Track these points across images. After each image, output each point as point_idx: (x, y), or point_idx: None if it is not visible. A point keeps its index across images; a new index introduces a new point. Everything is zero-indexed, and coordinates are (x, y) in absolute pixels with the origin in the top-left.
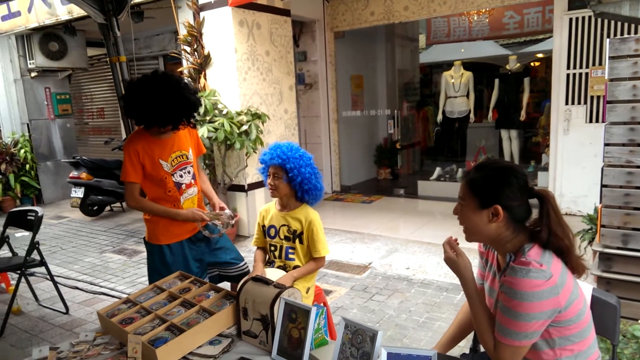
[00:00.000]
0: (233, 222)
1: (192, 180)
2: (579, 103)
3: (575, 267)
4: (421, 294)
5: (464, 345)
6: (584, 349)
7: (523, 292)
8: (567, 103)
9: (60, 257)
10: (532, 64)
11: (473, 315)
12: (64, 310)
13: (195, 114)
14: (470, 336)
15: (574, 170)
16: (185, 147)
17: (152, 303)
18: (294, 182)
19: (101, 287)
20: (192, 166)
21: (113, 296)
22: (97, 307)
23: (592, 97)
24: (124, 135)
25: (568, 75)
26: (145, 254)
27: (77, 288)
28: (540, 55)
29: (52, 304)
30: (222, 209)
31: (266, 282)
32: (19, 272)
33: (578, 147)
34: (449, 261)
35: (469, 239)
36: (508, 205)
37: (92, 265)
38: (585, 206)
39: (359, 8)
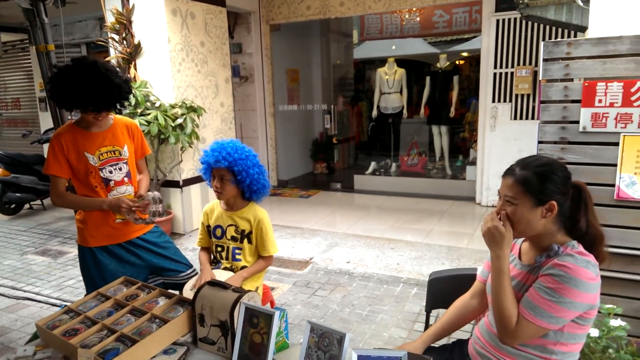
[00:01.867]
0: (161, 207)
1: (126, 179)
2: (505, 101)
3: (604, 256)
4: (362, 287)
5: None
6: (576, 350)
7: (578, 280)
8: (493, 101)
9: None
10: (460, 62)
11: (499, 291)
12: None
13: (124, 101)
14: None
15: (500, 165)
16: (119, 144)
17: (96, 312)
18: (242, 184)
19: (25, 291)
20: (125, 163)
21: (39, 301)
22: (21, 313)
23: (517, 96)
24: (42, 128)
25: (495, 74)
26: (71, 255)
27: None
28: (466, 54)
29: None
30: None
31: (224, 286)
32: None
33: (504, 143)
34: (496, 231)
35: (519, 236)
36: (560, 200)
37: (13, 268)
38: None
39: (295, 2)
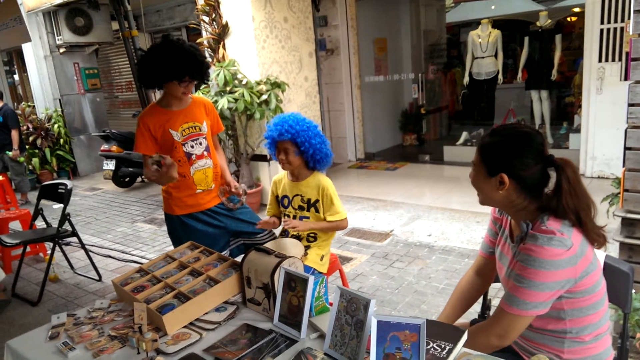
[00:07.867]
0: (244, 198)
1: (205, 153)
2: (613, 60)
3: (595, 239)
4: (442, 260)
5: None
6: (595, 321)
7: (542, 260)
8: (600, 60)
9: (95, 227)
10: (567, 19)
11: None
12: (97, 278)
13: (206, 75)
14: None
15: (607, 132)
16: (198, 120)
17: (163, 272)
18: (306, 154)
19: (132, 255)
20: (205, 138)
21: (142, 264)
22: None
23: (627, 54)
24: None
25: (602, 30)
26: None
27: (109, 257)
28: (577, 10)
29: (86, 272)
30: (229, 185)
31: (268, 252)
32: (52, 242)
33: (611, 107)
34: None
35: (482, 202)
36: (516, 174)
37: (124, 234)
38: (619, 169)
39: None
